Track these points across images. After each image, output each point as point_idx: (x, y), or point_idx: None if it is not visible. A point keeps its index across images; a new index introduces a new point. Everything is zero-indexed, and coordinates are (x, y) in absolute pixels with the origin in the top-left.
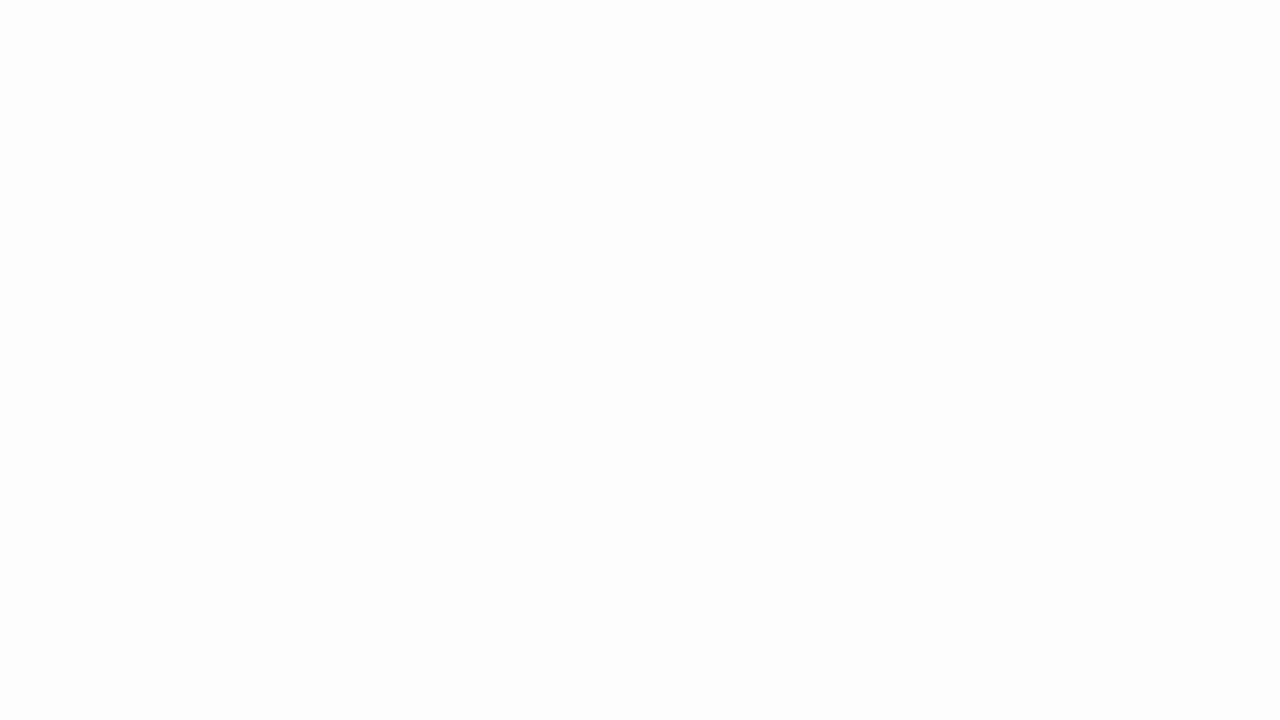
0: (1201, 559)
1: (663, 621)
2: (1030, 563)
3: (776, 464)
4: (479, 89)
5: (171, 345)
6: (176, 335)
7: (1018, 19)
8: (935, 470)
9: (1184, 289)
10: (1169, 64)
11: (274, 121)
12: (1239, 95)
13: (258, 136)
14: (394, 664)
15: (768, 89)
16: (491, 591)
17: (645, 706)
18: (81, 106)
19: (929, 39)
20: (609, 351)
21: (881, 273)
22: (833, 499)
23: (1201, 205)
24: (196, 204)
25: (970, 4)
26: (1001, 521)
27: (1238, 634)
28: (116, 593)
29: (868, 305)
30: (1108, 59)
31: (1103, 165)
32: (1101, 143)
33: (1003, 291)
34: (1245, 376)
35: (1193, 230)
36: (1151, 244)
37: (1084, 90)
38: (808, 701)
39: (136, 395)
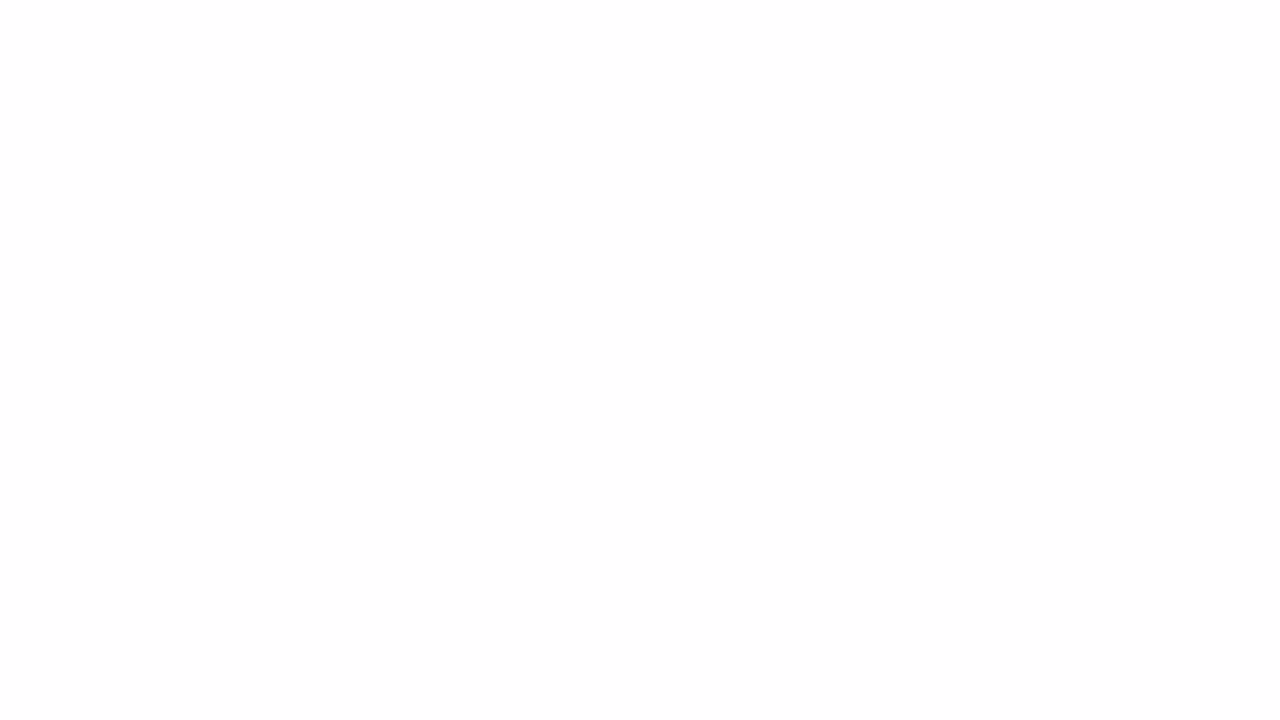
0: (1201, 559)
1: (662, 621)
2: (1030, 563)
3: (776, 464)
4: (479, 89)
5: (171, 345)
6: (176, 335)
7: (1017, 19)
8: (935, 470)
9: (1184, 289)
10: (1169, 64)
11: (274, 122)
12: (1239, 95)
13: (258, 137)
14: (394, 664)
15: (768, 89)
16: (491, 592)
17: (645, 706)
18: (82, 106)
19: (929, 39)
20: (609, 351)
21: (881, 273)
22: (832, 499)
23: (1201, 205)
24: (197, 204)
25: (970, 4)
26: (1001, 521)
27: (1238, 634)
28: (116, 593)
29: (868, 305)
30: (1108, 59)
31: (1103, 165)
32: (1101, 143)
33: (1003, 292)
34: (1245, 376)
35: (1193, 230)
36: (1151, 244)
37: (1084, 90)
38: (807, 701)
39: (136, 395)
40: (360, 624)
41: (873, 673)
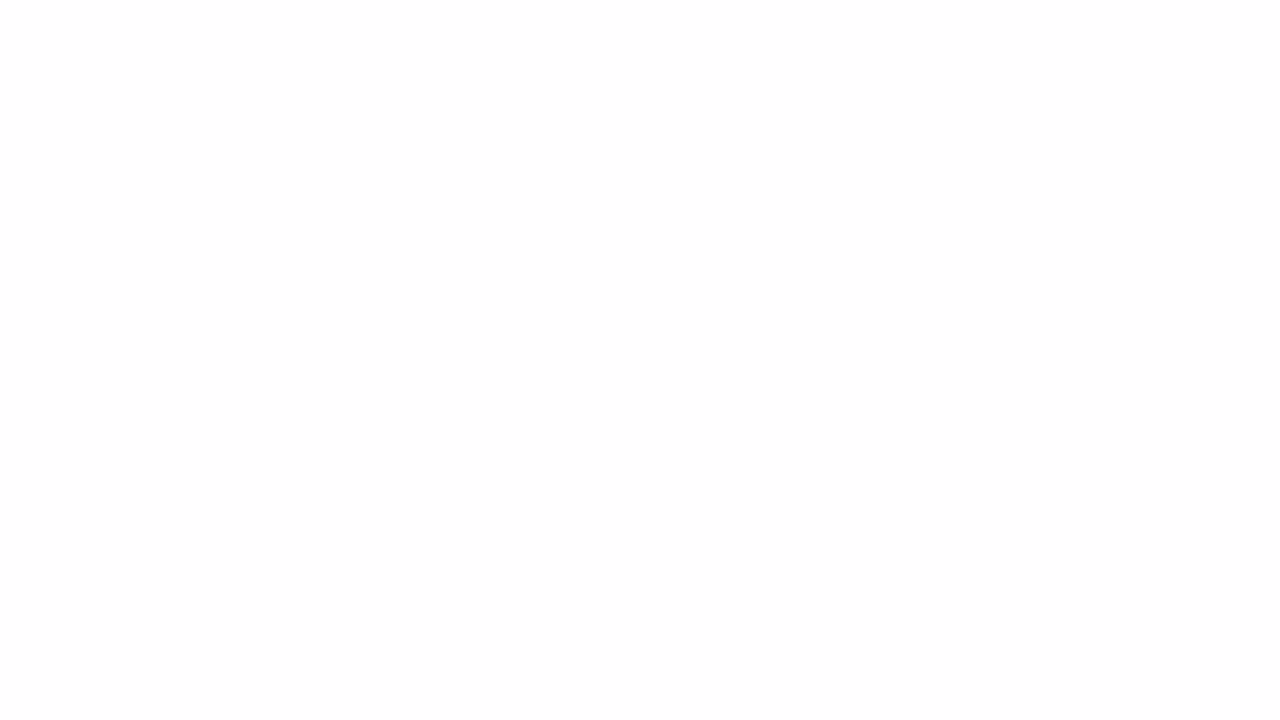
0: (1202, 559)
1: (662, 622)
2: (1030, 563)
3: (776, 464)
4: (479, 89)
5: (172, 345)
6: (177, 335)
7: (1017, 19)
8: (935, 470)
9: (1184, 289)
10: (1169, 64)
11: (274, 122)
12: (1239, 95)
13: (258, 137)
14: (394, 664)
15: (768, 89)
16: (491, 592)
17: (645, 707)
18: (82, 106)
19: (929, 39)
20: (609, 351)
21: (881, 273)
22: (833, 499)
23: (1202, 205)
24: (197, 204)
25: (970, 4)
26: (1001, 522)
27: (1238, 634)
28: (117, 593)
29: (868, 305)
30: (1108, 59)
31: (1103, 165)
32: (1101, 143)
33: (1002, 292)
34: (1245, 377)
35: (1193, 230)
36: (1151, 244)
37: (1084, 90)
38: (807, 702)
39: (136, 395)
40: (360, 624)
41: (870, 672)
